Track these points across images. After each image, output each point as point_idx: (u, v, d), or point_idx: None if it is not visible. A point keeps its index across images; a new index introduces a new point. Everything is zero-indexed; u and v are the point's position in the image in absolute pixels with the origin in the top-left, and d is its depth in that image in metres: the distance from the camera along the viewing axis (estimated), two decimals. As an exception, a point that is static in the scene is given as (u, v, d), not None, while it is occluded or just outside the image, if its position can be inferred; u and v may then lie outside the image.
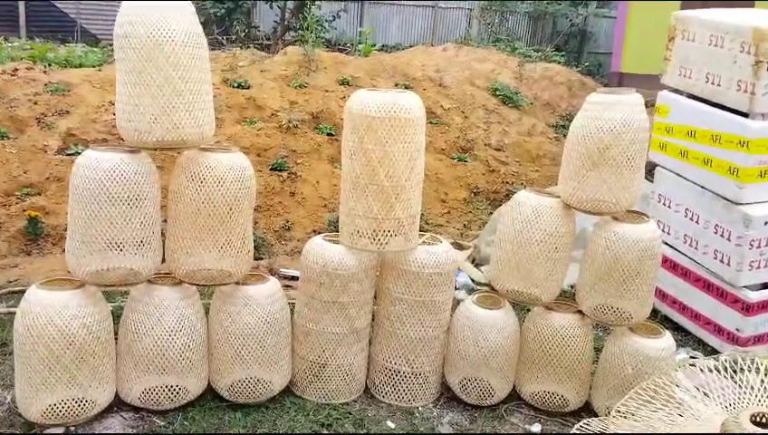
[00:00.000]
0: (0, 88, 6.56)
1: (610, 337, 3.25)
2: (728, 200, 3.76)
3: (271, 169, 6.40)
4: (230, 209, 2.92)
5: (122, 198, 2.73)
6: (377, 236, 3.06)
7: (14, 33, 11.78)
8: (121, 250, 2.82)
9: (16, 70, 6.91)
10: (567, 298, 3.51)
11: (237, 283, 3.11)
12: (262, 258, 5.40)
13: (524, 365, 3.34)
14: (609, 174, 2.91)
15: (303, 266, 3.21)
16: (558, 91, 9.96)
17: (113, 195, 2.72)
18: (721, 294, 3.87)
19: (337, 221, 5.80)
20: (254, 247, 5.58)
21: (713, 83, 3.83)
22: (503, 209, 5.69)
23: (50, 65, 7.50)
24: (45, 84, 6.65)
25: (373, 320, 3.36)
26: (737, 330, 3.80)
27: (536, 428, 3.15)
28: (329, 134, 6.98)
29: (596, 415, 3.27)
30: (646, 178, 3.53)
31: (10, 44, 9.01)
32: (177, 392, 3.01)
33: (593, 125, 2.90)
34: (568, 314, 3.23)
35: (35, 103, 6.39)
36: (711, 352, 3.91)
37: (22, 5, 12.44)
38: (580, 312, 3.26)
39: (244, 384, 3.12)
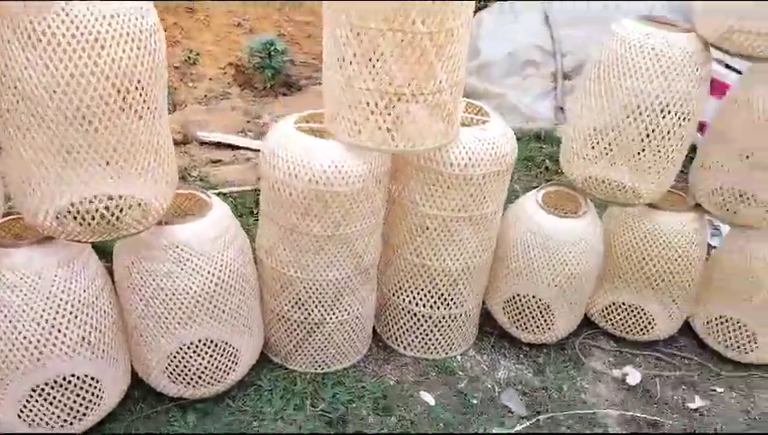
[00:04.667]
0: None
1: (734, 237, 2.23)
2: None
3: (154, -25, 4.53)
4: (122, 96, 1.47)
5: None
6: (402, 122, 1.73)
7: None
8: None
9: None
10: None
11: (160, 223, 1.74)
12: (165, 112, 3.86)
13: (602, 279, 2.32)
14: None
15: (269, 179, 1.86)
16: None
17: None
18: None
19: (264, 50, 4.25)
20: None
21: None
22: (482, 17, 4.29)
23: None
24: None
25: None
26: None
27: (633, 375, 2.20)
28: None
29: (696, 338, 2.37)
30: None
31: None
32: (76, 400, 1.78)
33: None
34: (682, 215, 2.15)
35: None
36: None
37: None
38: (697, 207, 2.18)
39: (191, 359, 1.91)
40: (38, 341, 1.63)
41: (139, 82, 1.49)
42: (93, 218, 1.60)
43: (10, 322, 1.60)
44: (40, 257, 1.63)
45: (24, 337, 1.62)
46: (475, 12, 4.73)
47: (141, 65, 1.47)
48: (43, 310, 1.62)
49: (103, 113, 1.47)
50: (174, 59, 4.24)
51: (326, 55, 1.76)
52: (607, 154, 2.01)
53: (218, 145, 3.36)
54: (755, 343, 2.27)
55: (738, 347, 2.28)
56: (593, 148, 2.03)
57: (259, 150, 3.12)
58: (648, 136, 1.92)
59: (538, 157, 3.47)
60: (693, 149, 2.16)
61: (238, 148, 3.33)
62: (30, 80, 1.40)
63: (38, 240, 1.64)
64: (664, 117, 1.88)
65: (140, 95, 1.51)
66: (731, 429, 2.05)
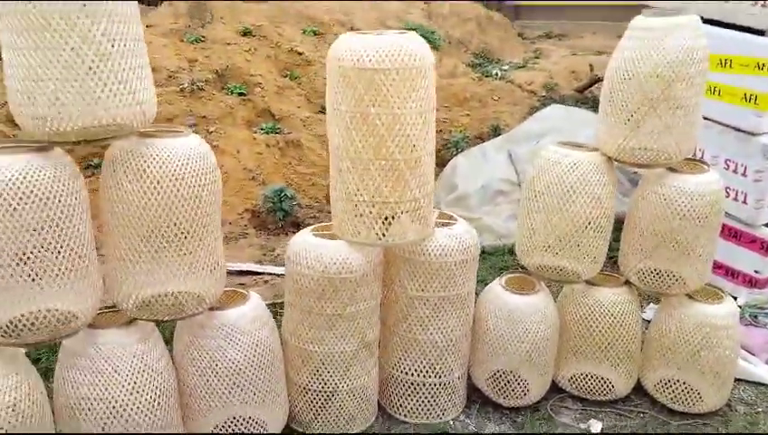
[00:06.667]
0: None
1: (664, 307, 2.78)
2: (743, 131, 3.37)
3: (181, 143, 5.41)
4: (195, 214, 2.11)
5: (33, 219, 1.86)
6: (390, 224, 2.37)
7: None
8: (42, 288, 1.95)
9: None
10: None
11: (212, 308, 2.32)
12: (192, 251, 4.52)
13: (562, 351, 2.83)
14: (672, 116, 2.37)
15: (293, 273, 2.46)
16: (468, 27, 9.44)
17: (20, 216, 1.84)
18: (735, 235, 3.53)
19: (276, 196, 5.02)
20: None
21: None
22: (457, 161, 5.12)
23: None
24: None
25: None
26: (756, 272, 3.49)
27: (595, 425, 2.65)
28: (240, 94, 6.06)
29: (648, 396, 2.83)
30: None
31: None
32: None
33: (651, 57, 2.33)
34: (616, 289, 2.72)
35: None
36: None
37: None
38: (627, 283, 2.76)
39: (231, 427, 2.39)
40: (123, 400, 2.14)
41: (206, 203, 2.14)
42: (165, 304, 2.19)
43: (103, 385, 2.12)
44: (125, 335, 2.18)
45: (112, 397, 2.13)
46: (450, 158, 5.59)
47: (208, 190, 2.13)
48: (128, 375, 2.14)
49: (182, 228, 2.10)
50: (199, 209, 4.97)
51: (332, 180, 2.44)
52: (549, 246, 2.63)
53: (241, 273, 3.98)
54: (699, 397, 2.73)
55: (684, 402, 2.74)
56: (538, 242, 2.65)
57: (274, 274, 3.75)
58: (575, 230, 2.54)
59: (512, 267, 4.07)
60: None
61: (258, 273, 3.95)
62: (132, 202, 2.05)
63: (124, 322, 2.21)
64: (584, 215, 2.52)
65: (208, 213, 2.15)
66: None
